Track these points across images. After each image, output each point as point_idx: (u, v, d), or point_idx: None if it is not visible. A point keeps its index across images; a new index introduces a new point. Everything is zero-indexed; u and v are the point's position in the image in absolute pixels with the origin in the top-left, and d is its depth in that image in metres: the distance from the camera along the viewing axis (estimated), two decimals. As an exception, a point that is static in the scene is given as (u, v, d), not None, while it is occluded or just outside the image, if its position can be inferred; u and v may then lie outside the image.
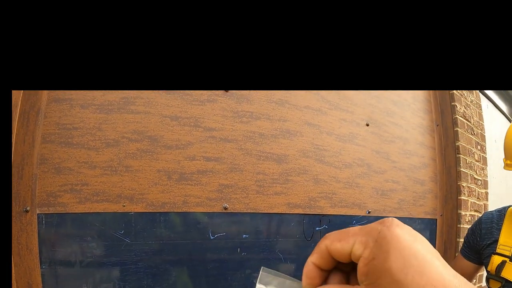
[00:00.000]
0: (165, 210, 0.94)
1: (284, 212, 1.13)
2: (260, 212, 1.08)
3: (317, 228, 1.21)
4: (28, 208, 0.82)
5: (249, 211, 1.06)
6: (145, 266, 0.91)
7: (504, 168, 1.14)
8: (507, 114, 2.62)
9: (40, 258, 0.82)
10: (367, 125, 1.39)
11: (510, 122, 2.68)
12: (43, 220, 0.83)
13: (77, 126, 0.88)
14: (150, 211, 0.92)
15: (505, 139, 1.11)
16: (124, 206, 0.90)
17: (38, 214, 0.83)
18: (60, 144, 0.86)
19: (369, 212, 1.35)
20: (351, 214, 1.29)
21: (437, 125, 1.74)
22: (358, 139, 1.35)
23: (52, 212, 0.85)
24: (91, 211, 0.87)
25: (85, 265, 0.86)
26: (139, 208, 0.91)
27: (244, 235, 1.06)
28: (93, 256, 0.87)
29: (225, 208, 1.02)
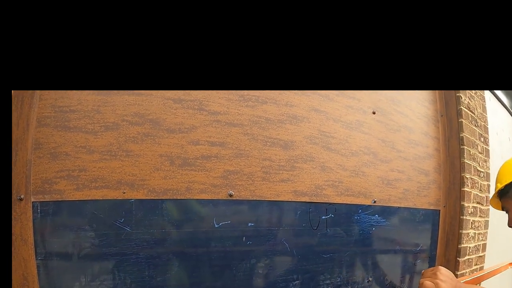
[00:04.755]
0: (168, 197, 0.90)
1: (290, 200, 1.10)
2: (266, 199, 1.05)
3: (323, 217, 1.18)
4: (22, 196, 0.77)
5: (255, 199, 1.03)
6: (146, 256, 0.87)
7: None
8: (509, 107, 2.62)
9: (35, 249, 0.78)
10: (374, 113, 1.37)
11: (511, 114, 2.69)
12: (38, 209, 0.79)
13: (75, 108, 0.84)
14: (152, 198, 0.88)
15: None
16: (124, 193, 0.86)
17: (33, 202, 0.79)
18: (56, 128, 0.82)
19: (374, 202, 1.32)
20: (357, 203, 1.27)
21: (442, 116, 1.72)
22: (364, 127, 1.33)
23: (48, 200, 0.80)
24: (89, 199, 0.83)
25: (83, 256, 0.82)
26: (140, 195, 0.87)
27: (250, 224, 1.02)
28: (91, 246, 0.83)
29: (230, 195, 0.98)
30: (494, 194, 1.12)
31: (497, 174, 1.12)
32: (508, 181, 1.04)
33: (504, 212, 1.11)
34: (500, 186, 1.07)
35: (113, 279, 0.85)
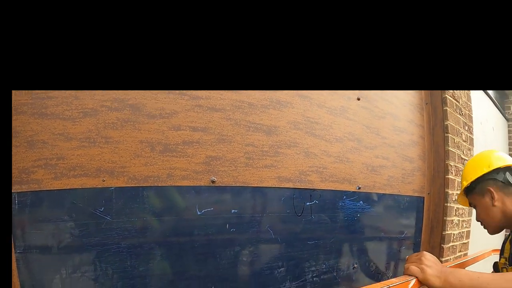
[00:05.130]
0: (149, 184, 0.88)
1: (274, 186, 1.09)
2: (249, 185, 1.04)
3: (308, 203, 1.17)
4: (-2, 187, 0.74)
5: (238, 185, 1.01)
6: (128, 246, 0.85)
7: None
8: (493, 97, 2.66)
9: (14, 242, 0.75)
10: (358, 99, 1.37)
11: (495, 105, 2.73)
12: (15, 200, 0.76)
13: (52, 95, 0.80)
14: (132, 185, 0.86)
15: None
16: (104, 180, 0.83)
17: (10, 193, 0.76)
18: (33, 115, 0.79)
19: (359, 188, 1.33)
20: (341, 189, 1.27)
21: (427, 104, 1.74)
22: (349, 113, 1.32)
23: (26, 190, 0.77)
24: (68, 187, 0.80)
25: (63, 247, 0.80)
26: (120, 183, 0.85)
27: (233, 211, 1.01)
28: (71, 237, 0.80)
29: (213, 182, 0.97)
30: (461, 191, 1.17)
31: (462, 173, 1.17)
32: (473, 179, 1.09)
33: (472, 207, 1.16)
34: (466, 183, 1.12)
35: (95, 270, 0.82)
